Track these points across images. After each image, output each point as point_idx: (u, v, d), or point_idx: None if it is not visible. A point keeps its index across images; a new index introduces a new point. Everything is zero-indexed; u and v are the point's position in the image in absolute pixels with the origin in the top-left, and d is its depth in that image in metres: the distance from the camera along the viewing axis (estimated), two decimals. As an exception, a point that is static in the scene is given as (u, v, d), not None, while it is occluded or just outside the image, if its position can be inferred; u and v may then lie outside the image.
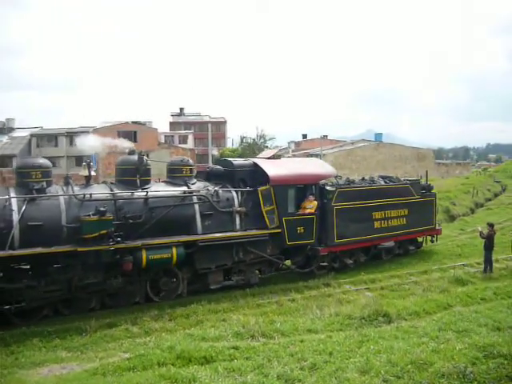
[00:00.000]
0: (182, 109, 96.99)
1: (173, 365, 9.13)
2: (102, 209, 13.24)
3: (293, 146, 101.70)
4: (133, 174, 14.94)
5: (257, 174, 16.92)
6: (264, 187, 16.51)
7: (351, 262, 19.06)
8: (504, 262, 19.76)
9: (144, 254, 13.87)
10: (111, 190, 14.37)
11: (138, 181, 14.92)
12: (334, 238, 17.99)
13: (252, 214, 16.35)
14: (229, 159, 18.36)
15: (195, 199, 15.44)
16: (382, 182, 21.09)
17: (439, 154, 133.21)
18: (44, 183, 13.46)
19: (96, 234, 13.13)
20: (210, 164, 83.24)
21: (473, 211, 37.08)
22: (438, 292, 15.22)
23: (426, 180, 24.45)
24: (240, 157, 72.96)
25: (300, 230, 17.07)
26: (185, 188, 15.51)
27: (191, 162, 17.09)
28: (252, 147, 73.90)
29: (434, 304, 13.74)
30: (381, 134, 72.82)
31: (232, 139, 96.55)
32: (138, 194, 14.61)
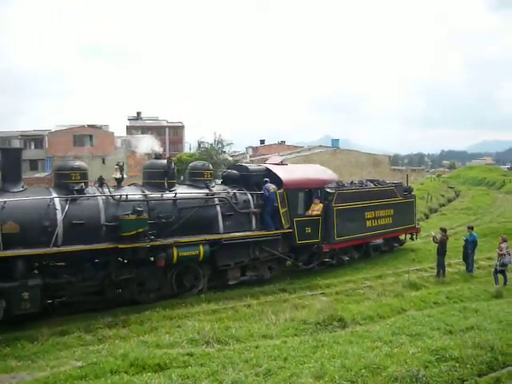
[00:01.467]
0: (139, 113, 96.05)
1: (126, 373, 8.98)
2: (138, 209, 14.35)
3: (250, 152, 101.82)
4: (161, 176, 16.19)
5: (269, 179, 18.01)
6: (280, 191, 17.80)
7: (347, 258, 20.60)
8: (456, 266, 20.15)
9: (175, 251, 15.00)
10: (143, 192, 15.57)
11: (166, 183, 16.10)
12: (335, 236, 19.33)
13: (263, 214, 17.67)
14: (244, 165, 20.15)
15: (217, 201, 16.78)
16: (372, 185, 22.72)
17: (395, 160, 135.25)
18: (83, 184, 14.39)
19: (134, 232, 14.10)
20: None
21: (427, 216, 37.67)
22: (392, 296, 15.40)
23: (407, 183, 26.42)
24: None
25: (308, 230, 18.46)
26: (206, 190, 16.83)
27: (211, 166, 18.57)
28: (210, 152, 73.62)
29: (388, 308, 13.91)
30: (338, 140, 73.53)
31: (190, 144, 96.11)
32: (166, 195, 15.79)
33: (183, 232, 15.50)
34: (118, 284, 14.65)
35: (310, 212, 18.72)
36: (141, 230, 14.19)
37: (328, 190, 19.50)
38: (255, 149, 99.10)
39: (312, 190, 19.05)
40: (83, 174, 14.61)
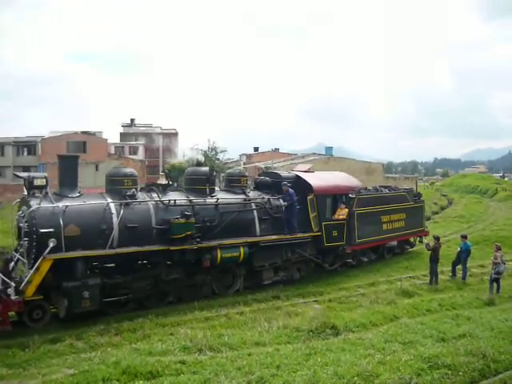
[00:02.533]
0: (132, 120, 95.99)
1: (118, 380, 8.95)
2: (187, 213, 15.51)
3: (244, 159, 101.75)
4: (203, 183, 17.22)
5: (299, 185, 19.40)
6: (310, 196, 19.23)
7: (365, 259, 21.99)
8: (449, 273, 20.14)
9: (219, 253, 16.11)
10: (187, 197, 16.51)
11: (208, 189, 17.12)
12: (356, 239, 20.61)
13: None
14: (276, 172, 21.54)
15: (254, 206, 17.91)
16: (386, 191, 24.23)
17: (388, 167, 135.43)
18: (134, 190, 15.38)
19: (183, 235, 15.23)
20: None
21: (420, 224, 37.69)
22: (384, 304, 15.38)
23: (416, 189, 28.50)
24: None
25: (334, 233, 19.75)
26: (243, 196, 17.95)
27: (246, 173, 20.07)
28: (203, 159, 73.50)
29: (381, 316, 13.89)
30: (331, 147, 73.54)
31: (183, 151, 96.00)
32: (209, 200, 16.88)
33: (224, 235, 16.56)
34: (167, 283, 15.55)
35: (336, 216, 19.91)
36: (189, 232, 15.35)
37: (350, 195, 20.69)
38: (249, 156, 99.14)
39: (337, 196, 20.40)
40: (134, 181, 15.61)
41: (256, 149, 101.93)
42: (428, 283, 18.73)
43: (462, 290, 17.91)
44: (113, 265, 14.72)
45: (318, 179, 20.51)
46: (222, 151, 78.82)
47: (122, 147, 75.94)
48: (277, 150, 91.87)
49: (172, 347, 11.05)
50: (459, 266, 19.67)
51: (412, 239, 25.19)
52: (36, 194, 14.14)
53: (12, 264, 14.27)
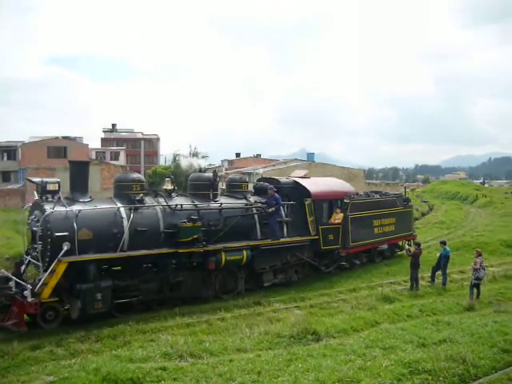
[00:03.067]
0: (114, 125, 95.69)
1: (98, 387, 8.87)
2: (194, 217, 16.16)
3: (226, 165, 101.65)
4: (207, 188, 17.81)
5: (297, 191, 20.42)
6: (308, 201, 19.95)
7: (358, 262, 22.77)
8: (429, 279, 20.22)
9: (223, 256, 16.69)
10: (193, 202, 17.13)
11: (211, 194, 17.74)
12: (350, 242, 21.33)
13: (293, 223, 19.64)
14: (275, 178, 21.94)
15: (255, 210, 18.49)
16: (378, 196, 24.91)
17: (370, 174, 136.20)
18: (142, 195, 15.93)
19: (190, 239, 15.83)
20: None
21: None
22: (365, 309, 15.43)
23: (405, 194, 28.97)
24: (173, 174, 72.57)
25: (330, 236, 20.51)
26: (245, 201, 18.68)
27: (247, 178, 20.69)
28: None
29: (362, 321, 13.93)
30: (313, 153, 73.80)
31: (165, 156, 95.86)
32: (213, 205, 17.51)
33: (227, 239, 17.14)
34: (173, 285, 16.14)
35: (332, 221, 20.78)
36: (196, 236, 15.94)
37: (345, 200, 21.47)
38: (231, 162, 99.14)
39: (333, 201, 21.21)
40: (142, 186, 16.20)
41: (238, 154, 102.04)
42: (409, 289, 18.79)
43: (442, 296, 17.97)
44: (118, 268, 15.38)
45: (315, 185, 21.20)
46: (203, 157, 78.91)
47: (104, 152, 75.46)
48: (259, 155, 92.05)
49: (153, 354, 11.00)
50: (439, 272, 19.78)
51: (401, 243, 25.83)
52: (48, 199, 14.55)
53: (23, 267, 14.90)
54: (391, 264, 23.73)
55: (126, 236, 14.90)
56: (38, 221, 14.03)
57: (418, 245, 19.53)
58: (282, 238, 18.76)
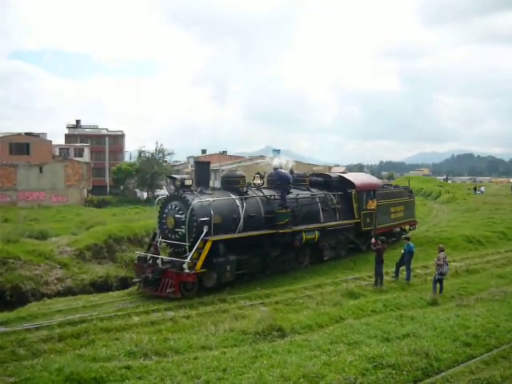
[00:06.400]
0: (78, 121, 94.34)
1: (61, 387, 8.72)
2: (287, 205, 20.47)
3: (192, 161, 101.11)
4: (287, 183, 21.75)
5: (342, 183, 25.36)
6: (353, 191, 24.91)
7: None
8: (393, 275, 20.41)
9: (304, 235, 20.99)
10: (278, 193, 20.94)
11: (287, 187, 21.51)
12: (377, 225, 26.09)
13: (342, 210, 24.37)
14: (326, 173, 29.94)
15: (317, 199, 23.14)
16: (392, 188, 31.88)
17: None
18: (246, 187, 20.01)
19: (284, 222, 19.98)
20: (107, 178, 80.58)
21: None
22: (330, 305, 15.48)
23: (409, 186, 33.82)
24: (138, 171, 72.18)
25: (368, 220, 25.54)
26: (309, 192, 23.18)
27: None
28: (150, 162, 72.81)
29: (327, 317, 13.97)
30: (279, 150, 73.83)
31: (130, 153, 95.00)
32: (292, 195, 21.61)
33: (302, 222, 21.42)
34: (271, 259, 20.27)
35: (368, 207, 25.50)
36: (287, 220, 20.08)
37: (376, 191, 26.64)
38: (196, 158, 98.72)
39: (370, 191, 26.11)
40: (245, 180, 20.24)
41: (204, 151, 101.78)
42: (373, 284, 18.95)
43: (406, 291, 18.16)
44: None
45: (356, 179, 26.40)
46: (169, 154, 78.48)
47: (67, 149, 74.29)
48: (224, 152, 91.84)
49: (117, 352, 10.86)
50: (403, 267, 19.99)
51: (406, 227, 30.73)
52: (186, 192, 18.11)
53: (159, 247, 18.50)
54: (356, 260, 23.95)
55: (241, 220, 18.80)
56: (179, 209, 17.69)
57: (381, 240, 19.68)
58: (335, 221, 23.43)
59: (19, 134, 61.10)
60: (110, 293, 18.72)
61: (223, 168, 59.04)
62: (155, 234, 19.19)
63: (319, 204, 23.01)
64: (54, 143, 66.64)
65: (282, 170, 21.88)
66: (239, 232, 18.71)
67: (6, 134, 61.23)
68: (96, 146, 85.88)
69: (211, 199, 18.08)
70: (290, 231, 20.21)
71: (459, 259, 24.81)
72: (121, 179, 76.13)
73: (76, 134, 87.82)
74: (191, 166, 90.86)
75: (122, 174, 74.59)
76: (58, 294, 19.58)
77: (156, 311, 15.11)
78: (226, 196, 19.00)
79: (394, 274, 20.26)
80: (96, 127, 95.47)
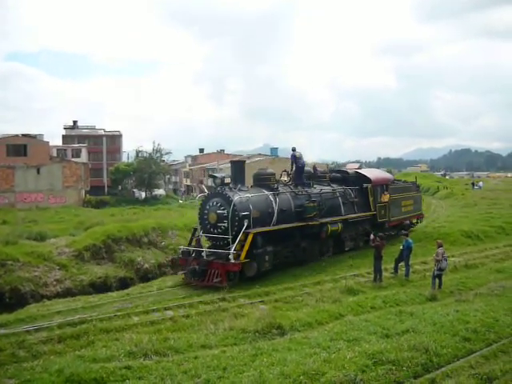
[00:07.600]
0: (75, 122, 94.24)
1: (61, 389, 8.71)
2: (314, 199, 22.06)
3: (189, 161, 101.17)
4: (308, 178, 23.89)
5: (359, 179, 27.25)
6: (369, 186, 26.72)
7: (393, 233, 28.92)
8: (392, 271, 20.42)
9: (329, 227, 22.51)
10: (303, 188, 22.82)
11: (312, 183, 23.91)
12: (391, 217, 27.99)
13: (359, 203, 26.11)
14: (344, 169, 32.76)
15: (338, 194, 24.84)
16: (401, 183, 33.30)
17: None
18: (276, 184, 21.51)
19: (312, 215, 21.41)
20: (105, 178, 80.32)
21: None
22: (330, 302, 15.50)
23: (416, 181, 35.62)
24: (135, 171, 72.14)
25: (382, 212, 27.29)
26: (330, 188, 24.89)
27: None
28: (148, 162, 72.80)
29: (327, 314, 13.99)
30: (276, 148, 74.12)
31: (128, 153, 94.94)
32: (316, 191, 23.40)
33: (326, 215, 22.80)
34: (300, 250, 21.76)
35: (382, 200, 27.26)
36: (315, 213, 21.49)
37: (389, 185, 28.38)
38: (194, 157, 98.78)
39: (384, 186, 27.83)
40: (275, 177, 21.83)
41: (201, 150, 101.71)
42: (372, 281, 18.96)
43: (405, 287, 18.18)
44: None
45: (371, 174, 28.26)
46: (166, 153, 78.51)
47: (65, 150, 74.13)
48: (222, 151, 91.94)
49: (117, 353, 10.85)
50: (402, 263, 20.00)
51: (414, 220, 32.41)
52: (225, 189, 19.46)
53: (201, 241, 20.06)
54: (355, 256, 23.97)
55: (275, 214, 20.26)
56: (221, 205, 19.00)
57: (380, 237, 19.69)
58: (354, 214, 25.09)
59: (16, 135, 60.96)
60: (110, 293, 18.70)
61: (221, 167, 58.97)
62: (195, 230, 20.63)
63: (340, 198, 24.68)
64: (51, 144, 66.50)
65: (298, 152, 23.28)
66: (274, 225, 20.20)
67: (3, 136, 61.14)
68: (93, 146, 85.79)
69: (249, 195, 19.58)
70: (317, 223, 21.68)
71: (458, 254, 24.83)
72: (119, 179, 76.06)
73: (73, 135, 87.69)
74: (189, 165, 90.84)
75: (119, 174, 74.54)
76: (57, 296, 19.50)
77: (156, 311, 15.11)
78: (260, 192, 20.40)
79: (393, 270, 20.27)
80: (93, 128, 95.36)
